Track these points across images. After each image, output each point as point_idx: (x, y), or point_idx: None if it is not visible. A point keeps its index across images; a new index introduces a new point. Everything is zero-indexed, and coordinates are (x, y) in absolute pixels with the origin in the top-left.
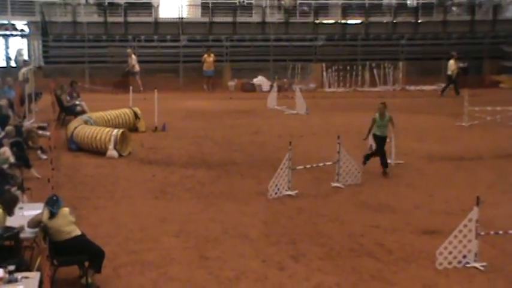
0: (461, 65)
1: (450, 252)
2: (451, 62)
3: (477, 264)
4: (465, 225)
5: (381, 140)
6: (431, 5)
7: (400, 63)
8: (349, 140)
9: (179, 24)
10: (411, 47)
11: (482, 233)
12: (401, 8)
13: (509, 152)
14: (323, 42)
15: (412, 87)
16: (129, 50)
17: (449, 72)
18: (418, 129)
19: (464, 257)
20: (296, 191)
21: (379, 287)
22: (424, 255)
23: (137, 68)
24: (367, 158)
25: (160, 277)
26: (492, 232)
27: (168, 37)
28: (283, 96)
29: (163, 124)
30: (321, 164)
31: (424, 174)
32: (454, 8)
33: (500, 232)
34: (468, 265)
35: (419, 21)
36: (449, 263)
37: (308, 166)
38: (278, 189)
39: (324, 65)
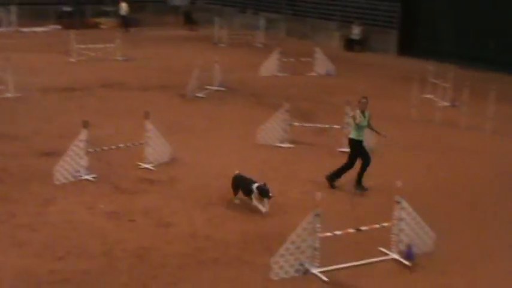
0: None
1: (66, 169)
2: (123, 4)
3: (88, 177)
4: (76, 145)
5: (357, 145)
6: None
7: (13, 7)
8: None
9: None
10: None
11: (91, 150)
12: None
13: (110, 82)
14: None
15: (26, 29)
16: None
17: (122, 13)
18: (33, 66)
19: (78, 171)
20: None
21: (6, 207)
22: (43, 174)
23: None
24: (337, 175)
25: None
26: (99, 149)
27: None
28: None
29: None
30: None
31: (41, 105)
32: None
33: (105, 148)
34: (81, 178)
35: None
36: (65, 178)
37: None
38: None
39: None
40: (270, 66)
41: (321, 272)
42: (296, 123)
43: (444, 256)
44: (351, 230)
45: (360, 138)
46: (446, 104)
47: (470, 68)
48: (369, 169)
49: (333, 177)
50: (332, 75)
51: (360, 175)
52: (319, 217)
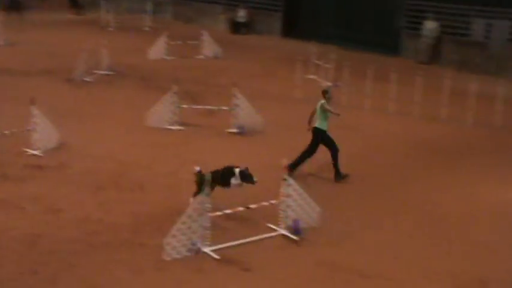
0: None
1: None
2: None
3: None
4: None
5: (325, 135)
6: None
7: None
8: None
9: None
10: None
11: None
12: None
13: None
14: None
15: None
16: None
17: None
18: None
19: None
20: None
21: None
22: None
23: None
24: (297, 164)
25: None
26: None
27: None
28: None
29: None
30: None
31: None
32: None
33: None
34: None
35: None
36: None
37: None
38: None
39: None
40: (158, 49)
41: (212, 251)
42: (185, 106)
43: (329, 229)
44: (240, 208)
45: (326, 128)
46: (328, 83)
47: (350, 49)
48: (258, 148)
49: (294, 166)
50: (219, 58)
51: (336, 165)
52: (209, 197)
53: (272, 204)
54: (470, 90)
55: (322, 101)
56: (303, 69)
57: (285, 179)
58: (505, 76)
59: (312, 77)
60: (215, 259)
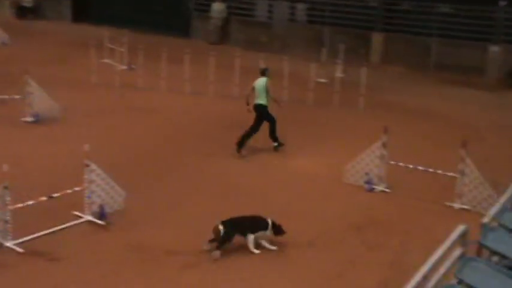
0: None
1: None
2: None
3: None
4: None
5: (267, 110)
6: None
7: None
8: None
9: None
10: None
11: None
12: None
13: None
14: None
15: None
16: None
17: None
18: None
19: None
20: None
21: None
22: None
23: None
24: (243, 141)
25: None
26: None
27: None
28: None
29: None
30: None
31: None
32: None
33: None
34: None
35: None
36: None
37: None
38: None
39: None
40: None
41: (15, 244)
42: None
43: (134, 211)
44: (43, 198)
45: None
46: (123, 67)
47: (142, 32)
48: (56, 135)
49: (241, 144)
50: (6, 45)
51: (273, 135)
52: (7, 189)
53: (76, 191)
54: (258, 68)
55: (265, 79)
56: (97, 53)
57: (87, 165)
58: (288, 53)
59: (106, 61)
60: (19, 253)
